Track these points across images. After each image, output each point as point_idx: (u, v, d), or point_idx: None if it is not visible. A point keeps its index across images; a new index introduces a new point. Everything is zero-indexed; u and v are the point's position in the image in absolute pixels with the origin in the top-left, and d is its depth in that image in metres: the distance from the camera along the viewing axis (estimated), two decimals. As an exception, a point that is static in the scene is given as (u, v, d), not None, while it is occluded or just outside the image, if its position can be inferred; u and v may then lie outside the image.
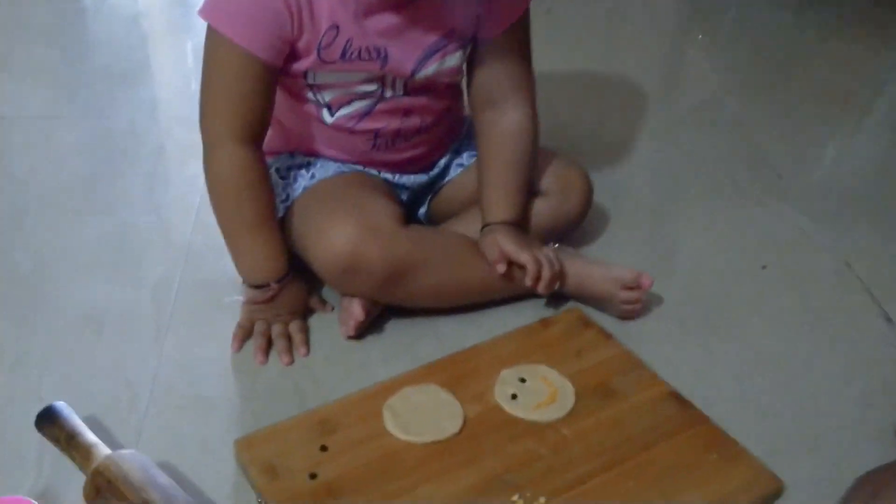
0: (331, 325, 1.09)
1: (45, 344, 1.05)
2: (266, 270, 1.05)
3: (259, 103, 1.01)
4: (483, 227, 1.13)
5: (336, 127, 1.09)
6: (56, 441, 0.86)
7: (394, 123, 1.10)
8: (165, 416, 0.96)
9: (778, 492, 0.88)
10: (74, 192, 1.36)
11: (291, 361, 1.03)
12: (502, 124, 1.13)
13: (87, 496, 0.80)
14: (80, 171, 1.42)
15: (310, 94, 1.06)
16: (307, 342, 1.06)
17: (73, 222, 1.28)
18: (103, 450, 0.83)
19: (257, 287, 1.06)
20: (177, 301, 1.13)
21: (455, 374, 0.99)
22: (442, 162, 1.21)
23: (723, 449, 0.91)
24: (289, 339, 1.05)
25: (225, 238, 1.06)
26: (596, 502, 0.85)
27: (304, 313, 1.10)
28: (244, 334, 1.06)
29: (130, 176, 1.41)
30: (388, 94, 1.07)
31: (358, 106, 1.07)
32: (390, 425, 0.92)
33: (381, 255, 1.01)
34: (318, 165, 1.13)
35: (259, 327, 1.06)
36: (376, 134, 1.10)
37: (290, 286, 1.07)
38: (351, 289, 1.05)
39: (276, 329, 1.05)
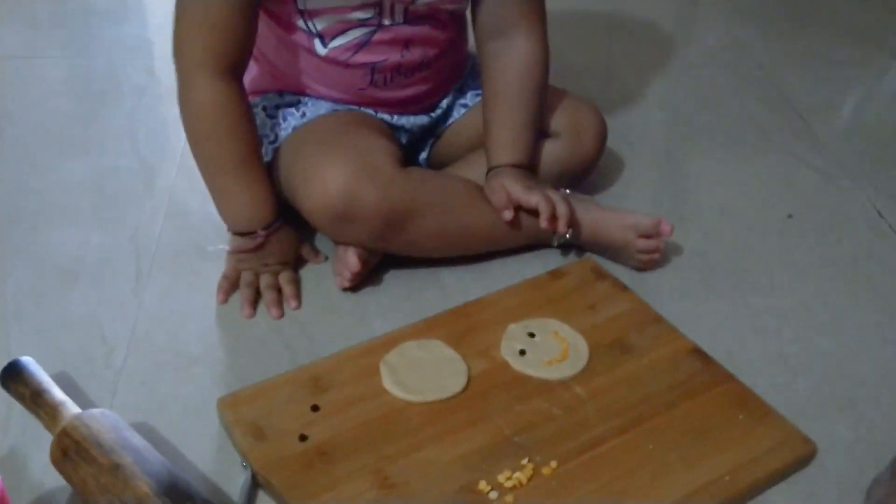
0: (324, 276, 1.02)
1: (14, 294, 0.99)
2: (252, 216, 0.97)
3: (239, 31, 0.92)
4: (488, 171, 1.04)
5: (329, 60, 1.00)
6: (21, 399, 0.79)
7: (393, 57, 1.01)
8: (143, 372, 0.89)
9: (810, 454, 0.82)
10: (51, 135, 1.29)
11: (281, 315, 0.96)
12: (510, 55, 1.04)
13: (53, 459, 0.74)
14: (58, 113, 1.35)
15: (300, 22, 0.97)
16: (298, 295, 0.99)
17: (49, 166, 1.21)
18: (72, 409, 0.76)
19: (243, 235, 0.98)
20: (158, 249, 1.06)
21: (458, 328, 0.93)
22: (444, 102, 1.12)
23: (750, 409, 0.85)
24: (278, 290, 0.98)
25: (205, 181, 0.98)
26: (612, 467, 0.78)
27: (295, 263, 1.02)
28: (230, 286, 0.98)
29: (110, 118, 1.34)
30: (387, 21, 0.98)
31: (354, 36, 0.98)
32: (388, 383, 0.85)
33: (377, 200, 0.93)
34: (309, 104, 1.04)
35: (246, 278, 0.98)
36: (373, 68, 1.01)
37: (279, 234, 0.99)
38: (346, 237, 0.97)
39: (265, 280, 0.98)
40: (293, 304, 0.97)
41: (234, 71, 0.94)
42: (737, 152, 1.32)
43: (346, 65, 1.00)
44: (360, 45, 0.99)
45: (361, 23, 0.97)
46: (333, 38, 0.98)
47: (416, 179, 0.99)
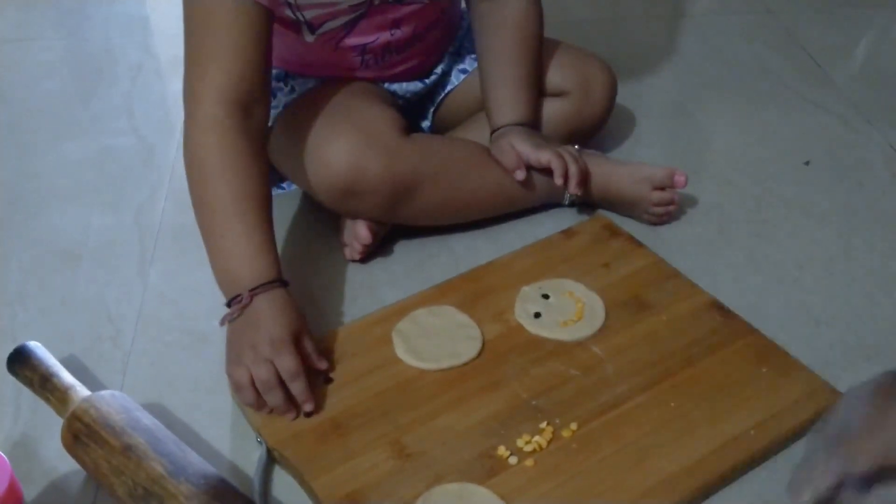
0: (333, 247, 0.99)
1: (18, 278, 0.97)
2: (240, 272, 0.79)
3: (254, 57, 0.82)
4: (493, 133, 1.01)
5: (318, 45, 0.96)
6: (29, 384, 0.78)
7: (383, 37, 0.97)
8: (152, 352, 0.88)
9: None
10: (48, 116, 1.27)
11: (296, 416, 0.77)
12: (503, 12, 1.00)
13: (64, 443, 0.73)
14: (54, 94, 1.33)
15: (288, 12, 0.92)
16: (310, 392, 0.76)
17: (47, 147, 1.19)
18: (81, 392, 0.75)
19: (231, 303, 0.80)
20: (161, 227, 1.04)
21: (470, 293, 0.91)
22: (439, 68, 1.08)
23: (774, 361, 0.82)
24: (282, 386, 0.76)
25: (201, 233, 0.83)
26: (634, 426, 0.76)
27: (295, 347, 0.77)
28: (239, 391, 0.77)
29: (107, 97, 1.31)
30: (377, 0, 0.93)
31: (343, 20, 0.94)
32: (401, 351, 0.83)
33: (383, 171, 0.90)
34: (298, 78, 1.00)
35: (237, 375, 0.76)
36: (363, 49, 0.98)
37: (268, 295, 0.78)
38: (353, 211, 0.94)
39: (259, 374, 0.75)
40: (307, 407, 0.76)
41: (247, 110, 0.83)
42: (749, 100, 1.28)
43: (335, 48, 0.97)
44: (350, 28, 0.95)
45: (352, 9, 0.93)
46: (322, 24, 0.94)
47: (421, 146, 0.96)
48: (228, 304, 0.80)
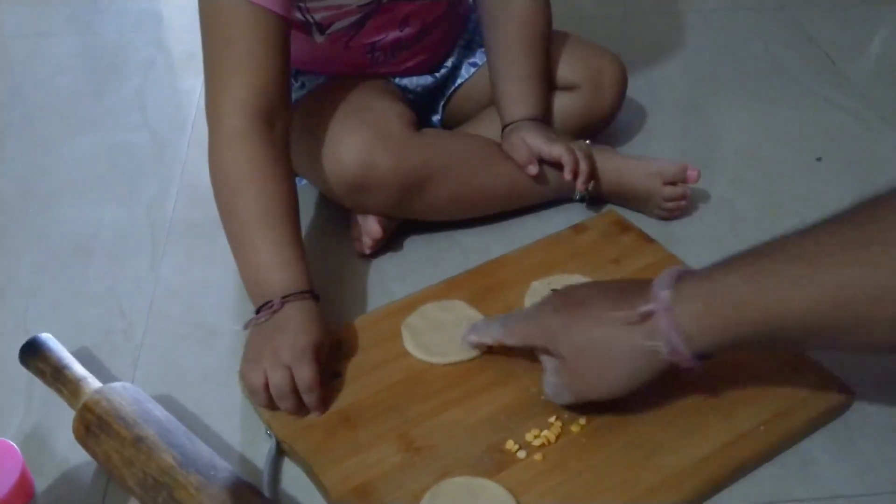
0: (343, 242, 1.00)
1: (31, 271, 0.98)
2: (272, 280, 0.79)
3: (274, 67, 0.82)
4: (504, 128, 1.01)
5: (327, 45, 0.96)
6: (42, 375, 0.78)
7: (392, 34, 0.97)
8: (163, 345, 0.88)
9: (848, 401, 0.79)
10: (60, 111, 1.28)
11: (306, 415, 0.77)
12: (510, 6, 1.00)
13: (76, 434, 0.73)
14: (67, 89, 1.34)
15: (297, 14, 0.92)
16: (321, 400, 0.76)
17: (59, 142, 1.20)
18: (93, 384, 0.75)
19: (261, 310, 0.80)
20: (173, 222, 1.05)
21: (480, 287, 0.91)
22: (449, 61, 1.08)
23: (784, 357, 0.82)
24: (295, 393, 0.76)
25: (230, 245, 0.84)
26: (643, 421, 0.76)
27: (314, 357, 0.76)
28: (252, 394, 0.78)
29: (120, 92, 1.32)
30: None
31: (351, 19, 0.94)
32: (410, 346, 0.83)
33: (393, 166, 0.90)
34: (307, 74, 1.01)
35: (253, 377, 0.76)
36: (373, 47, 0.98)
37: (298, 304, 0.78)
38: (363, 206, 0.95)
39: (275, 379, 0.75)
40: (315, 415, 0.76)
41: (270, 121, 0.83)
42: (761, 96, 1.28)
43: (345, 47, 0.97)
44: (359, 27, 0.95)
45: (361, 8, 0.93)
46: (331, 25, 0.94)
47: (431, 141, 0.96)
48: (258, 311, 0.80)
